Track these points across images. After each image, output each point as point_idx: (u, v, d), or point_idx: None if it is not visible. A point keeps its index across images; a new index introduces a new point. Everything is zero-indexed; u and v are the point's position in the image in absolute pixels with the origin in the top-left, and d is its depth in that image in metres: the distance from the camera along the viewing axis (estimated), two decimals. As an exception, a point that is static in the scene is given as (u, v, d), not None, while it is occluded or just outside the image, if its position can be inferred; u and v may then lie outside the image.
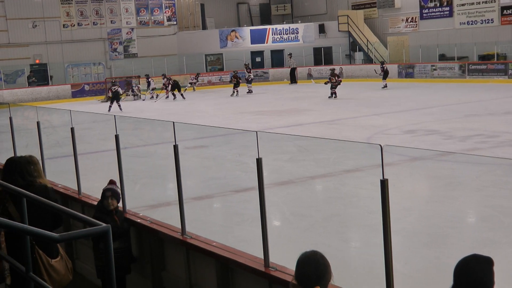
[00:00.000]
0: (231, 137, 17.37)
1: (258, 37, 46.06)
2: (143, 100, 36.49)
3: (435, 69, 37.37)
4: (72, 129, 8.49)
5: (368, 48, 43.13)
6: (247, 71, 37.62)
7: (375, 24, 44.08)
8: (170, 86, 36.06)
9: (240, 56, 44.74)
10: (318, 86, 36.42)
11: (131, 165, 10.58)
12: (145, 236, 7.00)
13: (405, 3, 41.83)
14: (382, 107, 25.04)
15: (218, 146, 17.32)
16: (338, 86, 30.39)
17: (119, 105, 30.20)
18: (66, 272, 5.85)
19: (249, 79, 36.73)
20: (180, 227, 6.45)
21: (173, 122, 6.41)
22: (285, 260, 5.63)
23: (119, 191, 6.85)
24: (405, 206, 9.72)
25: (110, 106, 30.19)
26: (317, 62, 44.59)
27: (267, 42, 46.08)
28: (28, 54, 41.05)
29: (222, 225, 9.95)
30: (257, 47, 45.86)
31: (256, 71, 43.84)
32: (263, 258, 5.39)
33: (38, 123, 9.49)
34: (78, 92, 39.83)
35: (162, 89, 36.67)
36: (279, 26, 46.43)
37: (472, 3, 37.91)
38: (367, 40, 43.16)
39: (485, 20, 37.39)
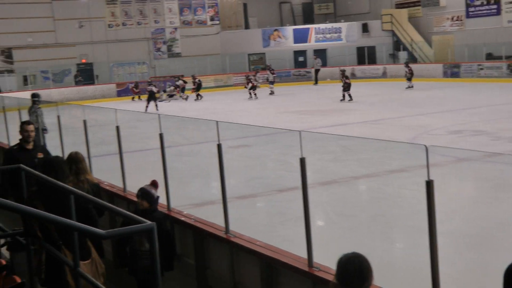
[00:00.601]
0: (274, 136, 17.36)
1: (300, 37, 45.94)
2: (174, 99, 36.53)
3: (481, 69, 36.74)
4: (117, 127, 8.59)
5: (412, 48, 42.66)
6: (270, 72, 37.44)
7: (420, 23, 43.54)
8: (196, 86, 36.28)
9: (283, 55, 44.69)
10: (363, 85, 36.18)
11: (175, 164, 10.65)
12: (189, 234, 7.04)
13: (450, 2, 41.22)
14: (427, 107, 24.73)
15: (261, 145, 17.33)
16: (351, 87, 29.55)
17: (156, 105, 30.11)
18: (95, 276, 5.84)
19: (272, 81, 36.42)
20: (224, 225, 6.47)
21: (217, 121, 6.43)
22: (328, 260, 5.60)
23: (153, 192, 6.78)
24: (451, 207, 9.60)
25: (146, 106, 30.14)
26: (360, 62, 44.28)
27: (309, 42, 45.93)
28: (75, 54, 41.70)
29: (266, 224, 9.95)
30: (300, 46, 45.74)
31: (299, 71, 43.75)
32: (306, 258, 5.37)
33: (84, 121, 9.63)
34: (123, 91, 40.30)
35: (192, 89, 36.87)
36: (322, 26, 46.24)
37: (521, 1, 37.25)
38: (411, 39, 42.71)
39: (534, 18, 36.72)
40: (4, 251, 6.96)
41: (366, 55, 43.90)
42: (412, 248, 8.16)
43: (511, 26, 37.71)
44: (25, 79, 39.95)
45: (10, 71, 39.92)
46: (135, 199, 8.18)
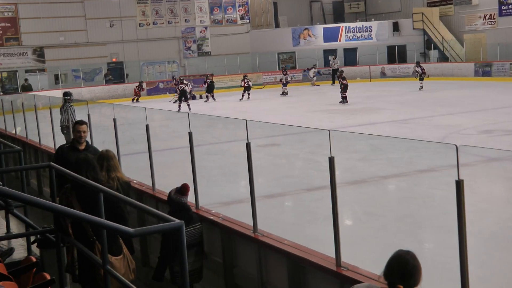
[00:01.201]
0: (303, 135, 17.32)
1: (331, 35, 45.78)
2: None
3: (514, 68, 36.26)
4: (147, 126, 8.65)
5: (443, 46, 42.25)
6: (283, 73, 37.23)
7: (451, 21, 43.10)
8: (206, 86, 36.06)
9: (313, 54, 44.57)
10: (393, 84, 35.95)
11: (203, 163, 10.70)
12: (217, 233, 7.06)
13: (483, 0, 40.74)
14: (458, 106, 24.49)
15: (290, 144, 17.31)
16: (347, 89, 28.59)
17: (188, 104, 29.31)
18: (126, 272, 5.91)
19: (285, 82, 36.08)
20: (252, 224, 6.47)
21: (246, 120, 6.43)
22: (357, 259, 5.58)
23: (173, 196, 6.85)
24: (481, 207, 9.49)
25: (179, 106, 29.31)
26: (391, 61, 43.97)
27: (340, 40, 45.75)
28: (105, 53, 42.05)
29: (294, 223, 9.94)
30: (330, 45, 45.58)
31: (328, 69, 43.57)
32: (334, 257, 5.36)
33: (114, 120, 9.71)
34: (153, 90, 40.53)
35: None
36: (352, 24, 46.03)
37: (555, -1, 36.67)
38: (443, 38, 42.29)
39: None
40: (34, 248, 7.04)
41: (396, 54, 43.56)
42: (442, 248, 8.08)
43: (545, 25, 37.17)
44: (56, 78, 40.39)
45: (42, 70, 40.39)
46: (164, 197, 8.24)
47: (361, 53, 44.95)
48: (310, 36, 46.10)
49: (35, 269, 5.28)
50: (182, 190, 6.79)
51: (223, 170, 14.28)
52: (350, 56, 45.30)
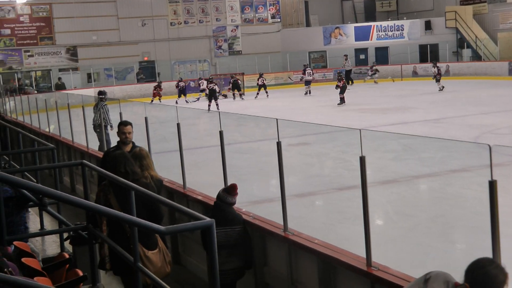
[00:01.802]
0: (334, 134, 17.26)
1: (362, 34, 45.56)
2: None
3: (549, 67, 35.72)
4: (178, 124, 8.69)
5: (476, 45, 41.79)
6: (302, 72, 36.85)
7: (485, 19, 42.59)
8: (230, 85, 36.11)
9: (344, 53, 44.37)
10: (425, 83, 35.65)
11: (234, 161, 10.70)
12: (246, 230, 7.06)
13: (517, -2, 40.21)
14: (492, 105, 24.19)
15: (321, 143, 17.27)
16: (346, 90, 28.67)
17: (217, 104, 28.82)
18: (163, 265, 5.97)
19: (308, 80, 35.81)
20: (282, 223, 6.47)
21: (277, 119, 6.43)
22: (387, 260, 5.54)
23: (221, 194, 6.83)
24: (515, 208, 9.35)
25: (209, 105, 28.95)
26: (423, 60, 43.59)
27: (371, 39, 45.51)
28: (137, 52, 42.36)
29: (324, 223, 9.92)
30: (361, 44, 45.37)
31: (360, 68, 43.37)
32: (365, 257, 5.33)
33: (146, 118, 9.78)
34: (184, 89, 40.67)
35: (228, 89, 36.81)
36: (384, 23, 45.75)
37: None
38: (476, 36, 41.82)
39: None
40: (67, 245, 7.12)
41: (428, 53, 43.18)
42: (474, 249, 7.98)
43: None
44: (89, 76, 40.80)
45: (75, 69, 40.84)
46: (194, 196, 8.28)
47: (393, 52, 44.66)
48: (341, 35, 45.92)
49: (68, 265, 5.35)
50: (229, 189, 6.78)
51: (253, 169, 14.30)
52: (382, 55, 45.02)
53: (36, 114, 18.99)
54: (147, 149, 8.70)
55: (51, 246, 7.67)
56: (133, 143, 7.98)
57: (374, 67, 40.79)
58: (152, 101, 35.73)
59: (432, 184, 12.47)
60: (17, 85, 35.59)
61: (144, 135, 9.82)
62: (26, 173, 10.57)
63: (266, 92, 35.57)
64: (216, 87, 30.68)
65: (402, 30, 45.03)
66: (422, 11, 46.32)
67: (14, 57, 39.47)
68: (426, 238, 8.64)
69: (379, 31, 45.41)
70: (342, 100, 27.98)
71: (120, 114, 11.50)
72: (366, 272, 5.25)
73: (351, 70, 41.80)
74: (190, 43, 43.85)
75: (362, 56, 45.45)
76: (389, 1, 49.33)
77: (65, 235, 7.20)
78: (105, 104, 15.98)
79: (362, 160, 5.21)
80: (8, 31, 39.27)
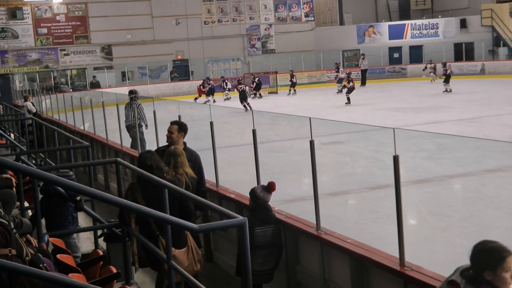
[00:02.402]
0: (367, 133, 17.15)
1: (396, 33, 45.21)
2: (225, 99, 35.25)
3: None
4: (211, 123, 8.71)
5: (513, 43, 41.22)
6: (336, 71, 36.52)
7: (522, 17, 41.98)
8: (254, 85, 36.02)
9: (378, 52, 44.11)
10: (460, 82, 35.24)
11: (267, 160, 10.70)
12: (280, 230, 7.06)
13: (555, -5, 39.52)
14: (528, 104, 23.83)
15: (354, 142, 17.19)
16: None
17: (247, 104, 28.00)
18: (191, 263, 5.98)
19: (340, 78, 35.46)
20: (314, 222, 6.46)
21: (310, 118, 6.41)
22: (421, 259, 5.50)
23: (258, 192, 6.81)
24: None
25: (244, 105, 27.88)
26: (458, 58, 43.10)
27: (405, 38, 45.14)
28: (171, 50, 42.60)
29: (357, 222, 9.87)
30: (395, 42, 45.02)
31: (394, 67, 43.05)
32: (398, 256, 5.30)
33: (179, 117, 9.82)
34: (217, 87, 40.77)
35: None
36: (418, 21, 45.33)
37: None
38: (513, 34, 41.25)
39: None
40: (101, 242, 7.19)
41: (463, 52, 42.68)
42: (510, 250, 7.88)
43: None
44: (123, 75, 41.15)
45: (109, 67, 41.22)
46: (227, 194, 8.30)
47: (427, 51, 44.21)
48: (375, 34, 45.64)
49: (101, 262, 5.41)
50: (269, 188, 6.77)
51: (286, 167, 14.28)
52: (416, 54, 44.63)
53: (71, 112, 19.21)
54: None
55: (85, 243, 7.77)
56: (184, 143, 7.87)
57: (432, 65, 39.31)
58: (196, 99, 35.54)
59: (467, 184, 12.33)
60: (53, 84, 36.06)
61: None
62: (61, 170, 10.69)
63: (294, 90, 36.01)
64: (246, 88, 30.61)
65: (437, 28, 44.57)
66: (457, 9, 45.78)
67: (50, 56, 40.00)
68: (460, 239, 8.55)
69: (413, 30, 45.01)
70: (349, 100, 28.11)
71: (154, 112, 11.60)
72: (399, 272, 5.22)
73: (366, 70, 41.07)
74: (223, 41, 43.97)
75: (396, 55, 45.09)
76: (423, -1, 48.90)
77: (99, 232, 7.28)
78: (140, 103, 16.05)
79: (396, 159, 5.18)
80: (44, 30, 39.82)
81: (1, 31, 38.79)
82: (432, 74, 38.52)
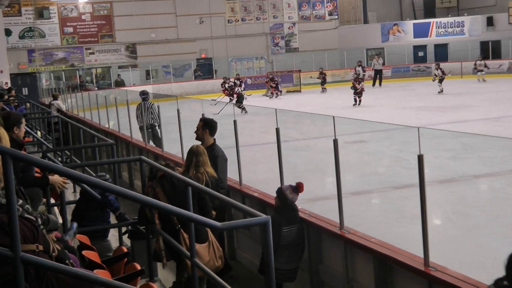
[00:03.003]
0: (391, 132, 17.07)
1: (421, 31, 44.89)
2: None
3: None
4: (234, 121, 8.73)
5: (542, 42, 40.70)
6: (362, 68, 36.25)
7: (551, 15, 41.43)
8: (275, 84, 35.78)
9: (402, 50, 43.85)
10: (487, 81, 34.93)
11: (290, 158, 10.70)
12: (304, 229, 7.06)
13: None
14: (556, 104, 23.54)
15: (378, 141, 17.10)
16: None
17: (243, 107, 25.69)
18: (212, 259, 6.03)
19: (362, 78, 34.89)
20: (338, 221, 6.45)
21: (333, 117, 6.40)
22: (446, 260, 5.47)
23: (287, 192, 6.82)
24: None
25: (242, 108, 25.83)
26: (484, 57, 42.61)
27: (430, 36, 44.80)
28: (195, 49, 42.72)
29: (381, 221, 9.82)
30: (420, 41, 44.69)
31: (418, 66, 42.76)
32: (422, 257, 5.27)
33: (203, 115, 9.85)
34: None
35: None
36: (444, 19, 44.95)
37: None
38: (541, 33, 40.72)
39: None
40: (125, 239, 7.24)
41: (490, 50, 42.22)
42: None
43: None
44: (147, 73, 41.37)
45: (134, 66, 41.46)
46: (250, 192, 8.31)
47: (453, 49, 43.84)
48: (399, 32, 45.37)
49: (126, 259, 5.45)
50: (298, 189, 6.79)
51: (309, 166, 14.26)
52: (441, 52, 44.26)
53: (96, 110, 19.36)
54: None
55: (110, 240, 7.81)
56: (214, 140, 7.94)
57: (482, 62, 38.13)
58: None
59: (493, 184, 12.21)
60: (78, 82, 36.35)
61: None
62: (86, 168, 10.79)
63: (324, 88, 36.22)
64: (240, 89, 29.72)
65: (463, 26, 44.18)
66: (484, 7, 45.28)
67: (75, 55, 40.34)
68: (486, 239, 8.47)
69: (438, 28, 44.66)
70: (356, 101, 27.86)
71: (178, 110, 11.65)
72: (423, 272, 5.19)
73: (381, 70, 40.44)
74: (247, 40, 44.01)
75: (420, 53, 44.78)
76: (449, -3, 48.48)
77: (124, 229, 7.33)
78: (152, 103, 16.04)
79: (420, 158, 5.16)
80: (70, 29, 40.17)
81: (29, 31, 39.20)
82: (480, 73, 37.35)
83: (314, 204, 9.69)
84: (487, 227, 9.11)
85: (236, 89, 29.96)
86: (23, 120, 6.08)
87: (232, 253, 8.84)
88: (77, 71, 40.05)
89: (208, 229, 6.16)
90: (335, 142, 6.35)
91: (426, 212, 5.25)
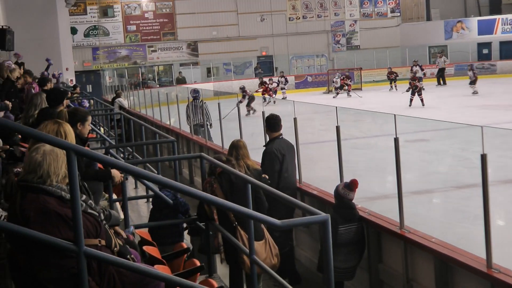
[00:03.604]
0: (453, 131, 16.76)
1: (485, 28, 43.90)
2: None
3: None
4: (295, 119, 8.73)
5: None
6: (419, 68, 35.39)
7: None
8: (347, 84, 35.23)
9: (466, 48, 42.95)
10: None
11: (350, 157, 10.63)
12: (363, 228, 7.02)
13: None
14: None
15: (439, 140, 16.83)
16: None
17: (251, 109, 23.82)
18: (268, 256, 6.08)
19: (420, 76, 33.84)
20: (398, 220, 6.38)
21: (394, 115, 6.34)
22: (510, 262, 5.35)
23: (340, 189, 6.85)
24: None
25: (249, 110, 23.63)
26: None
27: (495, 33, 43.76)
28: (256, 47, 42.87)
29: (442, 221, 9.68)
30: (485, 38, 43.70)
31: (483, 63, 41.85)
32: (485, 258, 5.17)
33: (263, 112, 9.89)
34: (301, 83, 40.80)
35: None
36: (510, 16, 43.82)
37: None
38: None
39: None
40: (185, 235, 7.32)
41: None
42: None
43: None
44: (208, 71, 41.74)
45: (195, 64, 41.88)
46: (309, 190, 8.30)
47: (519, 46, 42.78)
48: (463, 29, 44.49)
49: (186, 255, 5.51)
50: (351, 185, 6.79)
51: (369, 164, 14.14)
52: (507, 50, 43.17)
53: (157, 107, 19.62)
54: (264, 142, 8.82)
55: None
56: (278, 135, 8.20)
57: None
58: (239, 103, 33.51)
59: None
60: (140, 79, 36.94)
61: (261, 128, 9.92)
62: (148, 164, 10.96)
63: (395, 85, 35.55)
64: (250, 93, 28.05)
65: (530, 23, 43.05)
66: (552, 3, 44.06)
67: (138, 52, 41.03)
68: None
69: (504, 25, 43.58)
70: (411, 102, 26.85)
71: (238, 108, 11.73)
72: (486, 274, 5.09)
73: (444, 68, 39.37)
74: (308, 38, 43.90)
75: (485, 51, 43.80)
76: (516, -7, 47.30)
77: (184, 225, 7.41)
78: (204, 102, 16.09)
79: (484, 158, 5.06)
80: (133, 28, 40.87)
81: (93, 29, 40.08)
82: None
83: (374, 202, 9.61)
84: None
85: (250, 92, 27.48)
86: (89, 118, 6.20)
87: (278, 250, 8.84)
88: (140, 69, 40.72)
89: (264, 228, 6.20)
90: (396, 140, 6.29)
91: (489, 213, 5.15)
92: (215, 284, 4.58)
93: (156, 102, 20.19)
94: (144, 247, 5.28)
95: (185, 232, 7.34)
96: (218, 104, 12.97)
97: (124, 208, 6.64)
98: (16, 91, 10.27)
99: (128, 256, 4.00)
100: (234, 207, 4.23)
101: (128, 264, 3.75)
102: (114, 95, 24.31)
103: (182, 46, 41.80)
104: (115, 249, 3.89)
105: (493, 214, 5.34)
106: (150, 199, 7.91)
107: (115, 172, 6.04)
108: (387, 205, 8.30)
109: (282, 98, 32.90)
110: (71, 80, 26.96)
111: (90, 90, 36.65)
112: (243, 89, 26.43)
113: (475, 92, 30.50)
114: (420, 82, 28.59)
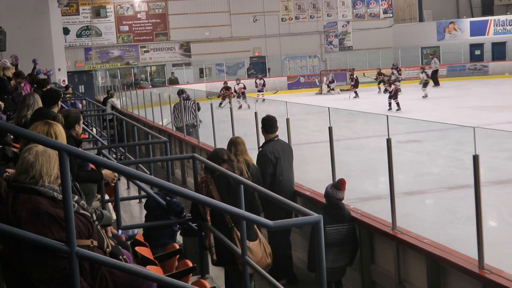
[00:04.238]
0: (446, 132, 16.81)
1: (478, 29, 44.03)
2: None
3: None
4: (287, 120, 8.73)
5: None
6: (397, 71, 35.29)
7: None
8: (354, 82, 35.17)
9: (458, 49, 43.08)
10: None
11: (342, 157, 10.65)
12: (355, 228, 7.02)
13: None
14: None
15: (432, 141, 16.87)
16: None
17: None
18: (263, 256, 6.11)
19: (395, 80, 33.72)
20: (390, 221, 6.39)
21: (387, 116, 6.36)
22: (501, 263, 5.37)
23: (328, 189, 6.89)
24: None
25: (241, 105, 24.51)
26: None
27: (488, 34, 43.90)
28: (248, 47, 42.88)
29: (434, 222, 9.70)
30: (477, 39, 43.84)
31: (475, 65, 41.97)
32: (477, 259, 5.18)
33: (255, 113, 9.88)
34: (294, 84, 40.82)
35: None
36: (502, 17, 43.99)
37: None
38: None
39: None
40: (177, 236, 7.30)
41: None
42: None
43: None
44: (201, 71, 41.74)
45: (188, 64, 41.86)
46: (303, 191, 8.30)
47: (511, 47, 42.88)
48: (455, 30, 44.61)
49: (178, 256, 5.51)
50: (338, 185, 6.81)
51: (362, 165, 14.16)
52: (499, 51, 43.34)
53: (150, 108, 19.59)
54: (256, 143, 8.82)
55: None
56: (274, 137, 8.16)
57: None
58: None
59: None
60: (133, 80, 36.89)
61: (253, 129, 9.92)
62: (140, 165, 10.94)
63: (384, 88, 35.12)
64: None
65: (522, 24, 43.18)
66: (544, 4, 44.22)
67: (131, 53, 40.99)
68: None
69: (496, 26, 43.74)
70: (390, 106, 26.19)
71: (231, 109, 11.72)
72: (478, 275, 5.10)
73: (437, 70, 39.19)
74: (300, 38, 43.94)
75: (477, 52, 43.94)
76: (508, -6, 47.44)
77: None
78: (194, 101, 16.04)
79: (476, 158, 5.07)
80: (126, 28, 40.83)
81: (86, 29, 40.01)
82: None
83: (366, 203, 9.64)
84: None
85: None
86: (81, 117, 6.20)
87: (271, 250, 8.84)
88: (132, 69, 40.68)
89: (257, 228, 6.20)
90: (389, 141, 6.30)
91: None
92: (208, 285, 4.58)
93: (149, 102, 20.16)
94: (136, 248, 5.27)
95: (178, 233, 7.33)
96: (211, 104, 12.97)
97: (117, 209, 6.62)
98: (9, 90, 10.26)
99: (120, 257, 3.99)
100: (226, 207, 4.22)
101: (120, 265, 3.74)
102: (107, 95, 24.26)
103: (175, 47, 41.77)
104: (107, 249, 3.88)
105: (485, 215, 5.36)
106: (143, 200, 7.89)
107: (106, 172, 6.02)
108: (379, 205, 8.32)
109: (256, 101, 32.74)
110: (64, 81, 26.92)
111: (83, 91, 36.59)
112: (226, 87, 26.65)
113: (425, 96, 30.10)
114: (397, 83, 28.14)
